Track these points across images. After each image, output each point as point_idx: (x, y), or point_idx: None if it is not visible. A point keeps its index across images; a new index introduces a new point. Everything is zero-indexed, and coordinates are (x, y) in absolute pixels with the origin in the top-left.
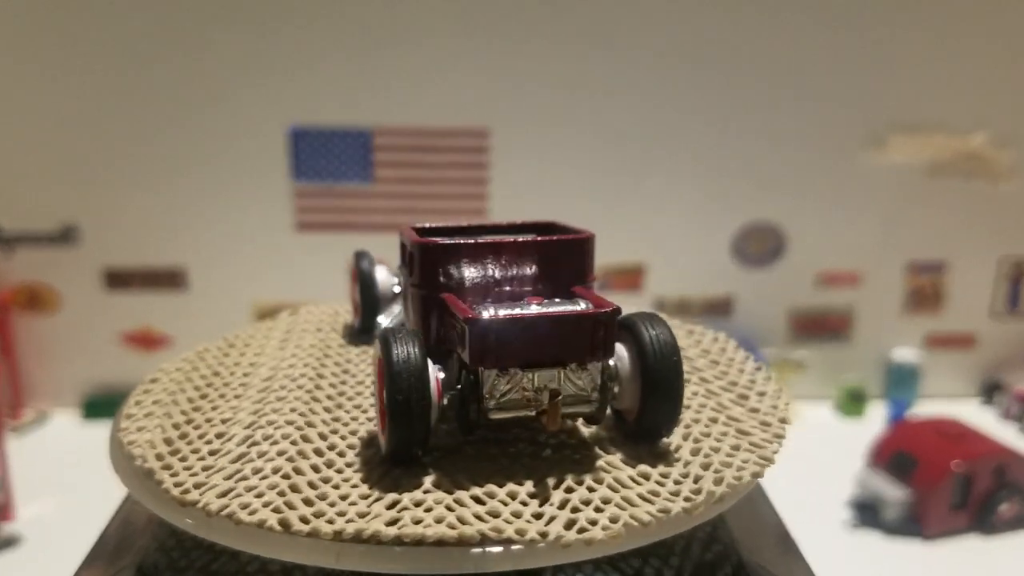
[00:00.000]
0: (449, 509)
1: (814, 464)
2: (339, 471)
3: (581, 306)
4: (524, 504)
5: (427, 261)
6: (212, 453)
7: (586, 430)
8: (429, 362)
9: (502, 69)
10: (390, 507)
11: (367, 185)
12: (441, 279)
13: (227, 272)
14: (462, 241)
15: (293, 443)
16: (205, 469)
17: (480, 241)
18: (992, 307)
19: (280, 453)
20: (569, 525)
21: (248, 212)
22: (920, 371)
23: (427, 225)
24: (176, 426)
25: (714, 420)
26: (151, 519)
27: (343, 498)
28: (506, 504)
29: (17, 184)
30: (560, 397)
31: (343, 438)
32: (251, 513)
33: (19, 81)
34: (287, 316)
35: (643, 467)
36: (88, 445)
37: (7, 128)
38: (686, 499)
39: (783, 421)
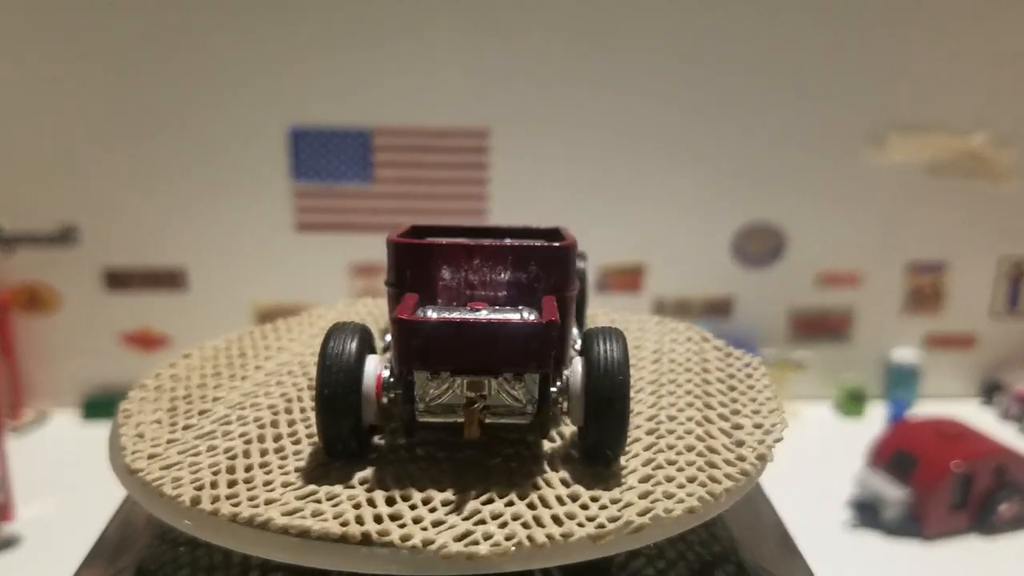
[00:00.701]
0: (355, 507)
1: (814, 464)
2: (283, 459)
3: (520, 316)
4: (433, 510)
5: (399, 259)
6: (185, 427)
7: (548, 445)
8: (374, 359)
9: (502, 69)
10: (302, 497)
11: (367, 185)
12: (413, 278)
13: (227, 272)
14: (435, 241)
15: (260, 427)
16: (169, 442)
17: (453, 242)
18: (992, 307)
19: (242, 435)
20: (462, 536)
21: (248, 212)
22: (920, 371)
23: (426, 224)
24: (174, 401)
25: (691, 448)
26: (151, 519)
27: (266, 484)
28: (414, 508)
29: (17, 184)
30: (477, 405)
31: (308, 426)
32: (176, 487)
33: (19, 81)
34: (343, 307)
35: (577, 488)
36: (88, 445)
37: (7, 128)
38: (599, 526)
39: (760, 458)
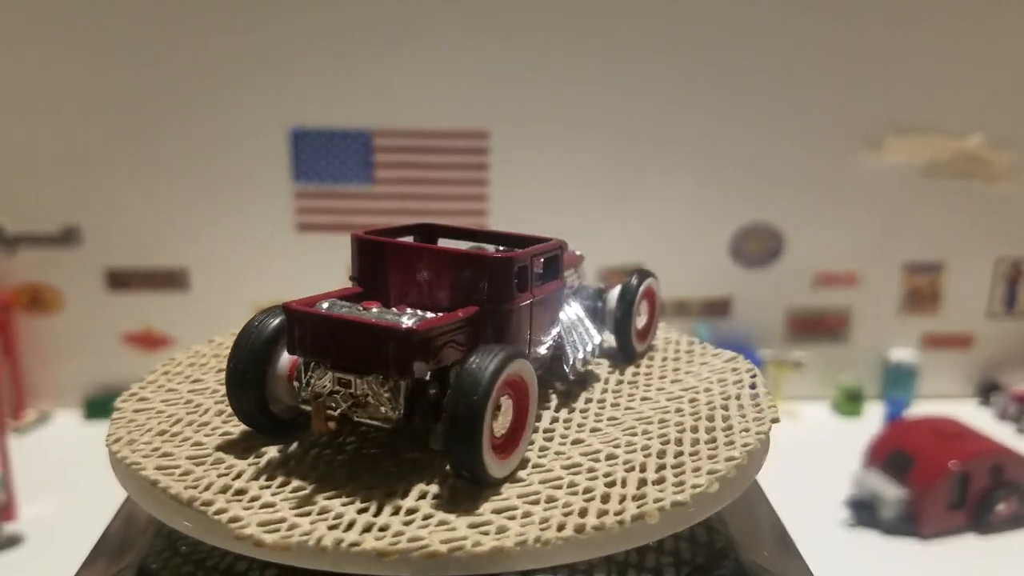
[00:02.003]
0: (253, 499)
1: (812, 463)
2: (222, 436)
3: (390, 319)
4: (341, 505)
5: (360, 256)
6: (168, 416)
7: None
8: None
9: (502, 70)
10: (216, 475)
11: (367, 186)
12: (370, 275)
13: (228, 273)
14: (388, 240)
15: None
16: (141, 428)
17: (403, 243)
18: (989, 307)
19: (213, 420)
20: (361, 530)
21: (249, 213)
22: (917, 371)
23: (440, 224)
24: (168, 403)
25: (641, 468)
26: (152, 519)
27: (191, 458)
28: (314, 503)
29: (19, 185)
30: (322, 399)
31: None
32: (122, 457)
33: (21, 82)
34: None
35: (511, 497)
36: (89, 445)
37: (9, 129)
38: (496, 538)
39: (695, 486)
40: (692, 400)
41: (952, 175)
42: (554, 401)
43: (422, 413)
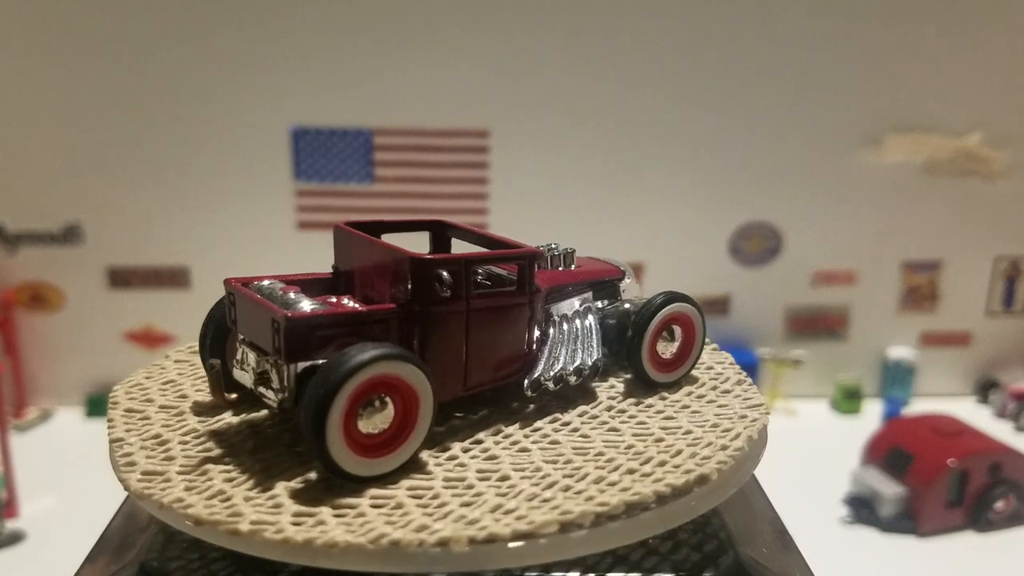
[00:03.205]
0: (190, 485)
1: (810, 461)
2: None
3: (290, 306)
4: (223, 481)
5: (336, 244)
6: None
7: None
8: None
9: (502, 69)
10: (156, 455)
11: (368, 185)
12: (343, 263)
13: (229, 271)
14: (352, 231)
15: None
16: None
17: (361, 237)
18: (988, 306)
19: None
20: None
21: (250, 212)
22: (916, 369)
23: (454, 223)
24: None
25: (580, 477)
26: (154, 516)
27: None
28: (235, 484)
29: (21, 183)
30: (215, 369)
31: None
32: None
33: (22, 80)
34: None
35: (441, 482)
36: (91, 443)
37: (10, 127)
38: (395, 529)
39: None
40: (658, 440)
41: (951, 173)
42: (517, 416)
43: (297, 400)
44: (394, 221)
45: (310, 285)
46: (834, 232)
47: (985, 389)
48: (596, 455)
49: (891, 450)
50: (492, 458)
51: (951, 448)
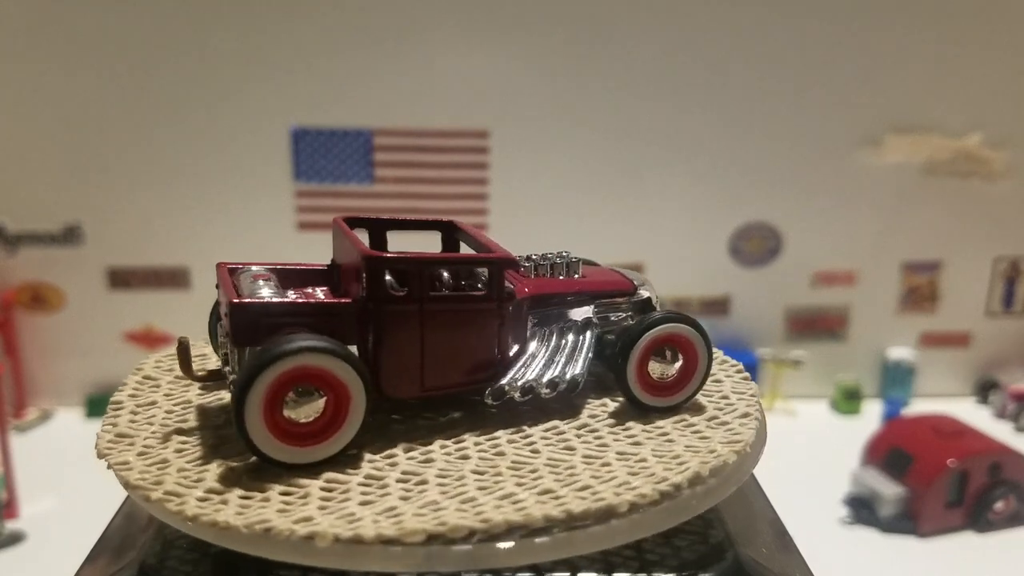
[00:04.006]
0: (144, 451)
1: (810, 461)
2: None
3: (256, 292)
4: (186, 462)
5: (333, 237)
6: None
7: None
8: None
9: (502, 69)
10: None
11: (368, 185)
12: (335, 254)
13: None
14: (341, 225)
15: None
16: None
17: (345, 233)
18: (988, 306)
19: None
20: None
21: (250, 212)
22: (915, 370)
23: (463, 224)
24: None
25: (532, 479)
26: (154, 517)
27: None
28: (192, 469)
29: (21, 184)
30: (183, 346)
31: None
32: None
33: (22, 81)
34: None
35: (359, 479)
36: (91, 443)
37: (10, 128)
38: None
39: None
40: (604, 464)
41: (951, 174)
42: (479, 428)
43: None
44: (402, 220)
45: (303, 276)
46: (834, 233)
47: (985, 390)
48: (529, 472)
49: (891, 451)
50: (427, 462)
51: (951, 449)
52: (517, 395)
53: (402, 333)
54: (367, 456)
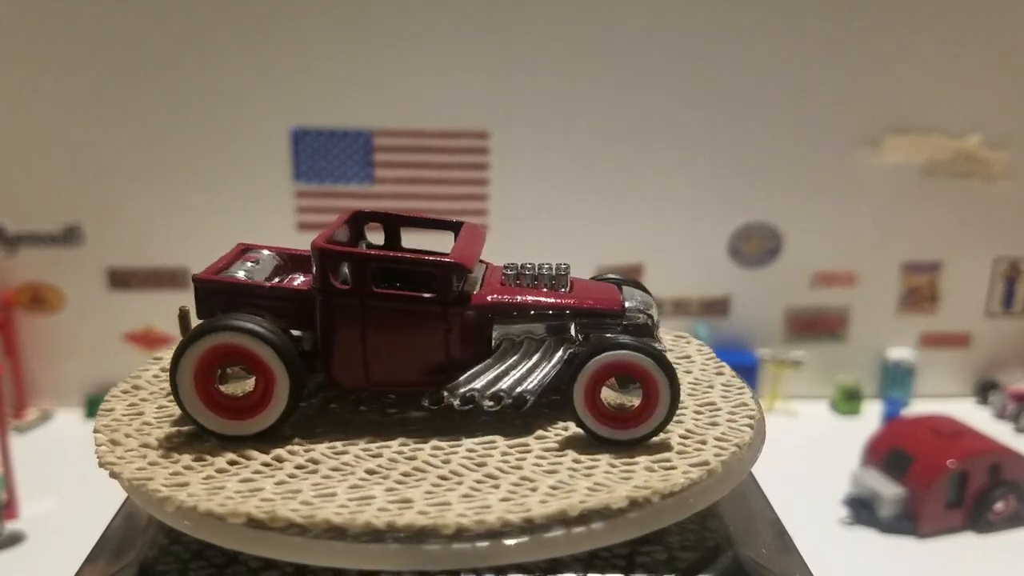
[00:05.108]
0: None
1: (810, 462)
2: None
3: (235, 272)
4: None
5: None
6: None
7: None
8: None
9: (502, 70)
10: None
11: (368, 186)
12: None
13: None
14: (341, 219)
15: None
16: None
17: (336, 223)
18: (988, 307)
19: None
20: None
21: (250, 213)
22: (915, 370)
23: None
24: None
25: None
26: (153, 517)
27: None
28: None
29: (21, 184)
30: (183, 314)
31: None
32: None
33: (22, 81)
34: None
35: (291, 467)
36: (91, 444)
37: (10, 128)
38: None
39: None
40: (495, 487)
41: (951, 175)
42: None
43: None
44: (419, 217)
45: (307, 262)
46: (834, 233)
47: (985, 390)
48: (432, 485)
49: (891, 451)
50: (355, 458)
51: (951, 449)
52: (457, 403)
53: (345, 325)
54: (319, 448)
